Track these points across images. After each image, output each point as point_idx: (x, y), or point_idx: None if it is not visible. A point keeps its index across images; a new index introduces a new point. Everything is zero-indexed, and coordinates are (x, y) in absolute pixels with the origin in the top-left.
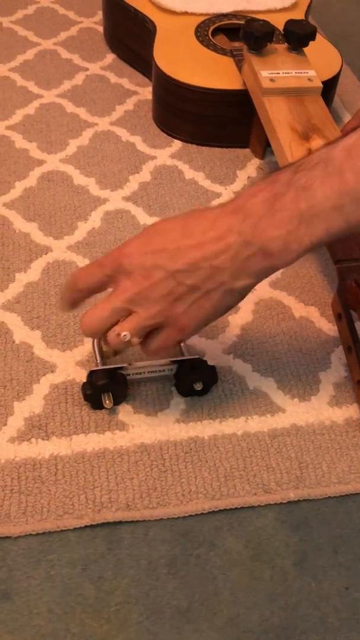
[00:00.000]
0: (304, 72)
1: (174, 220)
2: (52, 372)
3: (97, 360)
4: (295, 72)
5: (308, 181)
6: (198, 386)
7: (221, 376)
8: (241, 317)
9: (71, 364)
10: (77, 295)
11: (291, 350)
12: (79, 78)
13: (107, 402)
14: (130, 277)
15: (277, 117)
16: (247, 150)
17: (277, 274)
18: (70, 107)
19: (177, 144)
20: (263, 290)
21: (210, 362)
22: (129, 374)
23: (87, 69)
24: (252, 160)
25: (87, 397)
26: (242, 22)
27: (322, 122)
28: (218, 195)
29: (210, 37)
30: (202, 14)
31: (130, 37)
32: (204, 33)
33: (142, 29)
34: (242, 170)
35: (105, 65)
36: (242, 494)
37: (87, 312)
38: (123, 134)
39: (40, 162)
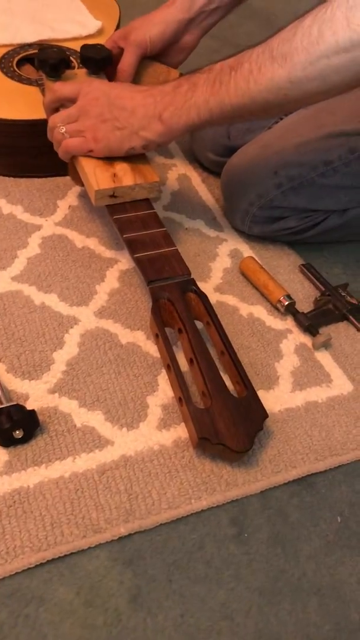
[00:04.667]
0: None
1: (112, 83)
2: None
3: None
4: None
5: (197, 80)
6: (18, 434)
7: (46, 418)
8: (67, 351)
9: None
10: (55, 105)
11: (119, 379)
12: None
13: None
14: (85, 98)
15: None
16: (68, 178)
17: (102, 302)
18: None
19: None
20: (88, 320)
21: (33, 405)
22: None
23: None
24: (72, 189)
25: None
26: None
27: None
28: (39, 227)
29: (15, 68)
30: (4, 45)
31: None
32: (8, 64)
33: None
34: (63, 200)
35: None
36: (70, 539)
37: (54, 116)
38: None
39: None
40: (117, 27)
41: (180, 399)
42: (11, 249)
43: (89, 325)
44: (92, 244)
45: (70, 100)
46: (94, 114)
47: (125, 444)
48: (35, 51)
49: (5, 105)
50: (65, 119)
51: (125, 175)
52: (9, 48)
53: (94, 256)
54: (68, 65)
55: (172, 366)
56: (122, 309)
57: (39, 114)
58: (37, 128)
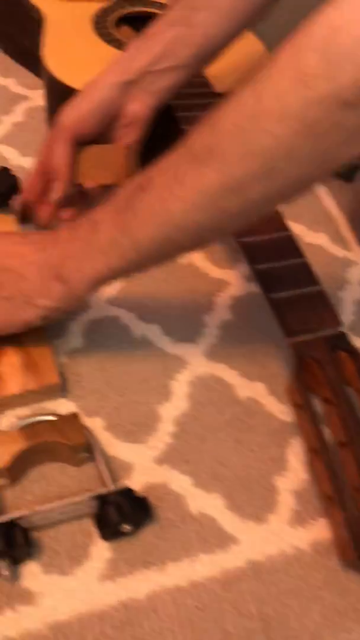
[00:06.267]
0: None
1: (8, 234)
2: None
3: None
4: None
5: (98, 215)
6: (127, 529)
7: (156, 499)
8: (175, 405)
9: None
10: None
11: (238, 449)
12: None
13: (3, 571)
14: None
15: None
16: None
17: (213, 339)
18: None
19: None
20: (198, 362)
21: (139, 480)
22: (32, 523)
23: None
24: None
25: None
26: (151, 9)
27: None
28: None
29: (112, 30)
30: (100, 0)
31: (14, 28)
32: (103, 25)
33: (27, 18)
34: None
35: None
36: None
37: None
38: (13, 155)
39: None
40: None
41: (330, 498)
42: None
43: (198, 370)
44: (198, 258)
45: None
46: None
47: (253, 543)
48: (135, 9)
49: None
50: None
51: (13, 377)
52: (104, 4)
53: (199, 276)
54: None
55: (321, 454)
56: (236, 351)
57: None
58: None
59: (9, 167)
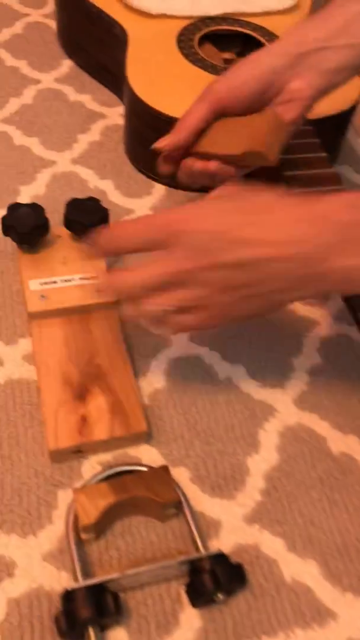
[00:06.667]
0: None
1: (239, 198)
2: (10, 575)
3: (75, 569)
4: (80, 279)
5: None
6: (220, 598)
7: (246, 563)
8: (265, 459)
9: (36, 560)
10: (111, 251)
11: (334, 511)
12: (28, 94)
13: (93, 638)
14: (184, 250)
15: (46, 360)
16: None
17: (302, 385)
18: (18, 138)
19: (158, 189)
20: (287, 411)
21: (228, 539)
22: (122, 585)
23: (38, 81)
24: None
25: (64, 634)
26: (236, 27)
27: (110, 359)
28: None
29: (197, 49)
30: (184, 17)
31: (92, 43)
32: (188, 43)
33: (108, 35)
34: None
35: (61, 75)
36: None
37: (121, 274)
38: (90, 177)
39: None
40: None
41: None
42: None
43: (288, 420)
44: None
45: (154, 247)
46: (208, 279)
47: (352, 619)
48: (220, 27)
49: (186, 99)
50: (157, 286)
51: (100, 422)
52: (189, 21)
53: (285, 313)
54: (46, 230)
55: None
56: (327, 398)
57: None
58: None
59: (93, 194)
